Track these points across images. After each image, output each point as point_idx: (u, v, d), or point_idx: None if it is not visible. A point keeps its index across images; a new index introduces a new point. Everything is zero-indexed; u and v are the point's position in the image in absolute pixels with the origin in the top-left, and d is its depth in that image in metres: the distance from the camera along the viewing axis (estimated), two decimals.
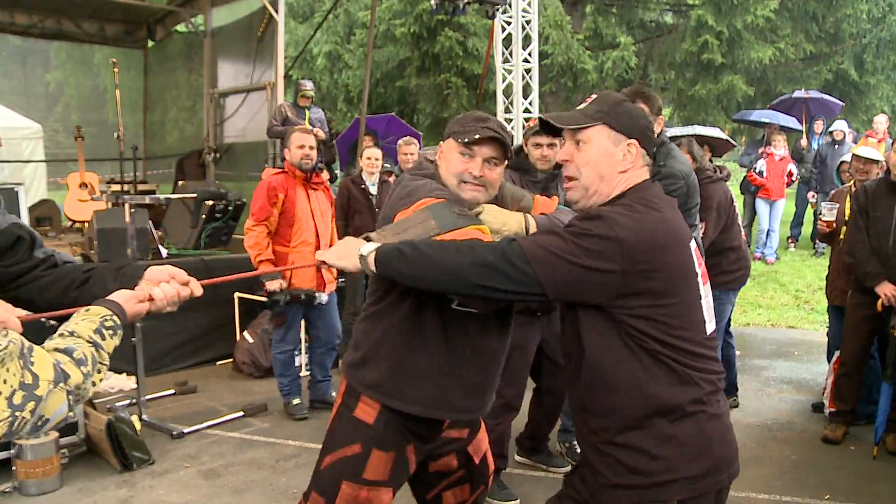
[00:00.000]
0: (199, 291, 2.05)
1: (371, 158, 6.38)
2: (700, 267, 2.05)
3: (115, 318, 1.74)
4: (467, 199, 2.31)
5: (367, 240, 2.18)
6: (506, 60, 9.05)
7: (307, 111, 8.18)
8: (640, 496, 1.95)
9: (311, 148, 5.11)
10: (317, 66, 15.81)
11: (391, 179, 6.76)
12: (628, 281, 1.86)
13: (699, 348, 1.97)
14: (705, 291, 2.04)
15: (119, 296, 1.84)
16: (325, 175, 8.54)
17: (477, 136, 2.27)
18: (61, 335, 1.61)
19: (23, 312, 1.86)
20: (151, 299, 1.93)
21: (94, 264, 2.50)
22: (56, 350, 1.56)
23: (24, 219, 4.79)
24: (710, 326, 2.04)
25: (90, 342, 1.64)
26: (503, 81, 9.05)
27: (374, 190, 6.44)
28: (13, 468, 4.23)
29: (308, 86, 8.12)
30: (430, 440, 2.42)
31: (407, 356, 2.29)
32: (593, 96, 2.13)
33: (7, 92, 8.81)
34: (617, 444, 1.97)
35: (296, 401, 5.38)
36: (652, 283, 1.89)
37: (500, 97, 9.06)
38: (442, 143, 2.40)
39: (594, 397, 2.00)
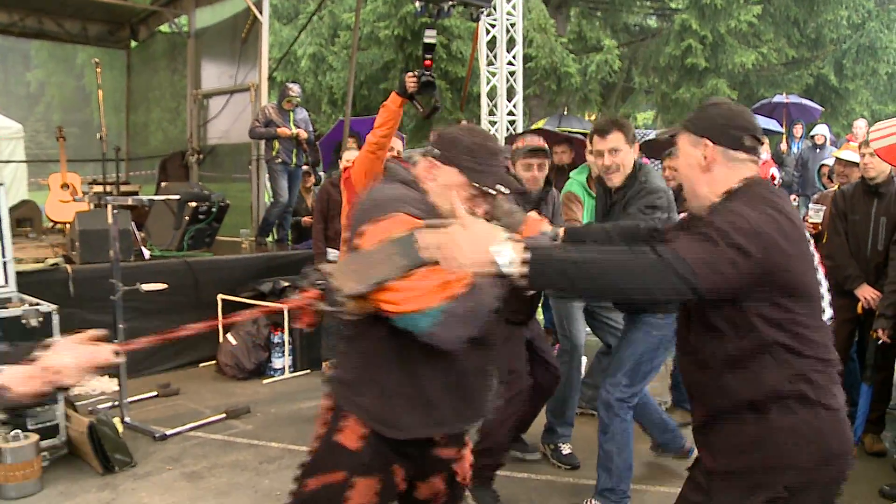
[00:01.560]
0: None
1: (349, 161, 6.36)
2: (815, 254, 2.11)
3: None
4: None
5: (327, 272, 2.02)
6: (490, 63, 9.06)
7: (291, 113, 8.16)
8: (749, 481, 2.02)
9: None
10: (301, 67, 15.79)
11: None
12: (766, 271, 1.92)
13: (819, 336, 2.03)
14: (823, 279, 2.11)
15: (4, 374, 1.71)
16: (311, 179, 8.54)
17: (495, 189, 2.12)
18: None
19: None
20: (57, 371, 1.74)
21: None
22: None
23: (5, 220, 4.75)
24: (827, 314, 2.10)
25: None
26: (487, 84, 9.06)
27: None
28: None
29: (295, 90, 8.09)
30: (418, 460, 2.26)
31: (392, 381, 2.13)
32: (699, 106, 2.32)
33: None
34: (732, 431, 2.05)
35: None
36: (786, 273, 1.96)
37: (484, 100, 9.07)
38: (437, 161, 2.15)
39: (715, 386, 2.07)
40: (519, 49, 9.10)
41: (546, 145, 4.10)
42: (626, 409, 3.75)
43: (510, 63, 9.04)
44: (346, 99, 8.56)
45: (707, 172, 2.14)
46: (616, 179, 3.65)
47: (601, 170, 3.69)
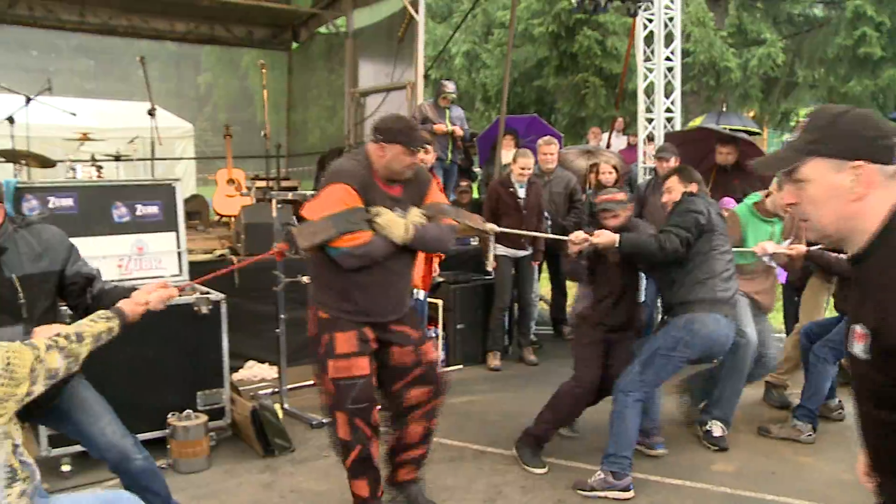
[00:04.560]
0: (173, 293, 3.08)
1: (524, 169, 6.53)
2: None
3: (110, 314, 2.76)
4: (384, 188, 3.52)
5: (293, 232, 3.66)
6: (647, 59, 8.81)
7: (447, 111, 8.24)
8: None
9: None
10: (455, 65, 15.94)
11: (537, 181, 6.79)
12: None
13: None
14: None
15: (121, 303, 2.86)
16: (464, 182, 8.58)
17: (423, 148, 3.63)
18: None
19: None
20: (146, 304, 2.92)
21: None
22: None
23: (181, 213, 5.03)
24: None
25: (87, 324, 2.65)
26: (644, 80, 8.82)
27: (522, 192, 6.54)
28: (168, 447, 4.47)
29: (450, 87, 8.18)
30: (377, 326, 3.60)
31: (330, 282, 3.57)
32: (805, 118, 1.83)
33: (163, 94, 9.27)
34: None
35: None
36: None
37: (640, 97, 8.83)
38: (384, 142, 3.46)
39: None
40: (677, 44, 8.80)
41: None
42: (632, 393, 4.22)
43: (668, 59, 8.75)
44: (502, 96, 8.54)
45: (862, 202, 1.69)
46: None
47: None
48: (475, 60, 15.76)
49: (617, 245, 4.20)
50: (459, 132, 8.23)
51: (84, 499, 2.67)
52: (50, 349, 2.44)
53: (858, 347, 1.68)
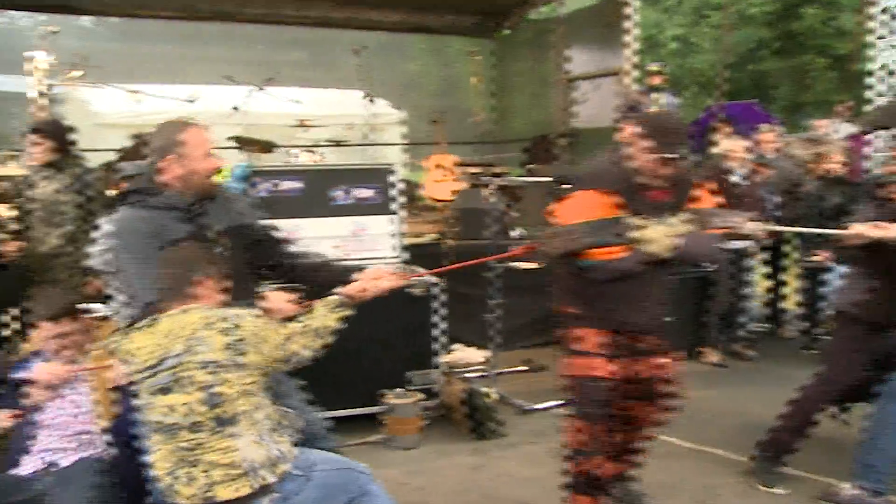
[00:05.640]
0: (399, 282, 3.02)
1: (735, 152, 6.25)
2: None
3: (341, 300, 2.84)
4: (648, 194, 3.24)
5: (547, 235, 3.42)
6: (883, 36, 8.10)
7: (658, 96, 7.98)
8: None
9: None
10: (666, 50, 15.43)
11: (763, 171, 6.44)
12: None
13: None
14: None
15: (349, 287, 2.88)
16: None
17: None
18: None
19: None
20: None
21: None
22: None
23: (398, 198, 5.18)
24: None
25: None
26: (879, 61, 8.12)
27: (739, 179, 6.23)
28: (381, 423, 4.62)
29: (657, 65, 7.90)
30: (627, 335, 3.40)
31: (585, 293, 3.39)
32: None
33: (374, 82, 9.63)
34: None
35: None
36: None
37: (875, 78, 8.14)
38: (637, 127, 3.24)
39: None
40: None
41: None
42: None
43: None
44: (718, 81, 8.16)
45: None
46: None
47: None
48: (687, 45, 15.17)
49: None
50: None
51: (328, 458, 2.81)
52: (297, 335, 2.66)
53: None
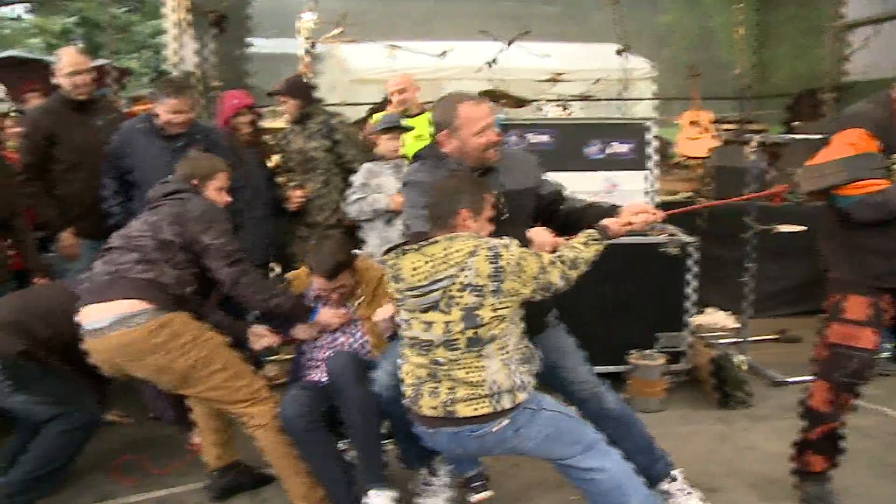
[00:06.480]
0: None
1: None
2: None
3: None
4: None
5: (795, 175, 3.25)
6: None
7: None
8: None
9: None
10: None
11: None
12: None
13: None
14: None
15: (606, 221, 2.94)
16: None
17: None
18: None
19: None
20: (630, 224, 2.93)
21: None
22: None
23: (653, 153, 5.03)
24: None
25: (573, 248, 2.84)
26: None
27: None
28: (625, 383, 4.55)
29: None
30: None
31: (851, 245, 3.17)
32: None
33: (628, 36, 9.39)
34: None
35: None
36: None
37: None
38: None
39: None
40: None
41: None
42: None
43: None
44: None
45: None
46: None
47: None
48: None
49: None
50: None
51: (559, 405, 2.87)
52: (554, 265, 2.75)
53: None
